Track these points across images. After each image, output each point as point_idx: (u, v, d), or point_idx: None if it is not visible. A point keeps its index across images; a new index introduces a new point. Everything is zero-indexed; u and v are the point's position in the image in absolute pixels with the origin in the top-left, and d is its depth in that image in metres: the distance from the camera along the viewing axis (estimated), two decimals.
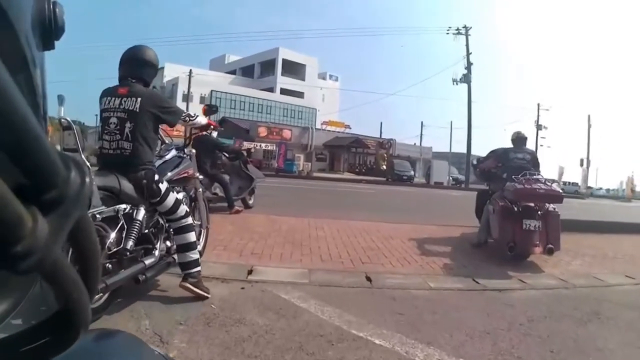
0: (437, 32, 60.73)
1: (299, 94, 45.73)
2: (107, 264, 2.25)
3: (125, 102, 2.52)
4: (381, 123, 62.53)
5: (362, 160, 37.89)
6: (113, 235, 2.31)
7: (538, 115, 33.05)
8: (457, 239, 5.60)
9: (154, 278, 2.75)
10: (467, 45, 26.56)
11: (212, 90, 37.54)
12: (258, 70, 48.81)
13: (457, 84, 26.22)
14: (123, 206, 2.40)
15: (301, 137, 34.26)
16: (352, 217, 6.92)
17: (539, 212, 4.38)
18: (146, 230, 2.60)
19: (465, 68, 26.14)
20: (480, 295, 3.38)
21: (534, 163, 5.04)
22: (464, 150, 26.76)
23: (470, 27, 26.73)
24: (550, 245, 4.18)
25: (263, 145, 29.77)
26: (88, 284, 0.28)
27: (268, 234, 5.07)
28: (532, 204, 4.44)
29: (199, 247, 3.41)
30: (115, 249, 2.31)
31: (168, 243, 2.88)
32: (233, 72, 49.74)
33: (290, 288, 3.18)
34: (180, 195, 2.97)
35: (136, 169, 2.49)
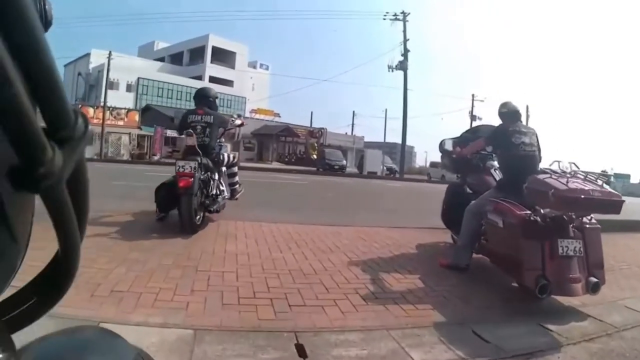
0: (374, 17, 59.78)
1: (229, 83, 43.47)
2: (206, 202, 4.31)
3: (204, 117, 4.53)
4: (312, 112, 60.87)
5: (292, 149, 36.16)
6: (207, 188, 4.35)
7: (472, 106, 33.03)
8: (419, 251, 4.14)
9: (222, 209, 4.72)
10: (404, 31, 25.61)
11: (139, 78, 36.82)
12: (187, 57, 45.80)
13: (392, 70, 25.22)
14: (209, 173, 4.39)
15: None
16: (279, 218, 5.29)
17: (572, 226, 2.74)
18: (220, 182, 4.67)
19: (402, 55, 25.22)
20: None
21: (539, 149, 3.37)
22: (398, 139, 26.07)
23: (409, 14, 25.92)
24: (594, 279, 2.60)
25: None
26: (80, 220, 0.29)
27: (151, 251, 3.27)
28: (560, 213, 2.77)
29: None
30: (207, 194, 4.34)
31: (228, 187, 4.97)
32: (162, 60, 46.25)
33: None
34: (232, 157, 5.13)
35: (211, 152, 4.48)
